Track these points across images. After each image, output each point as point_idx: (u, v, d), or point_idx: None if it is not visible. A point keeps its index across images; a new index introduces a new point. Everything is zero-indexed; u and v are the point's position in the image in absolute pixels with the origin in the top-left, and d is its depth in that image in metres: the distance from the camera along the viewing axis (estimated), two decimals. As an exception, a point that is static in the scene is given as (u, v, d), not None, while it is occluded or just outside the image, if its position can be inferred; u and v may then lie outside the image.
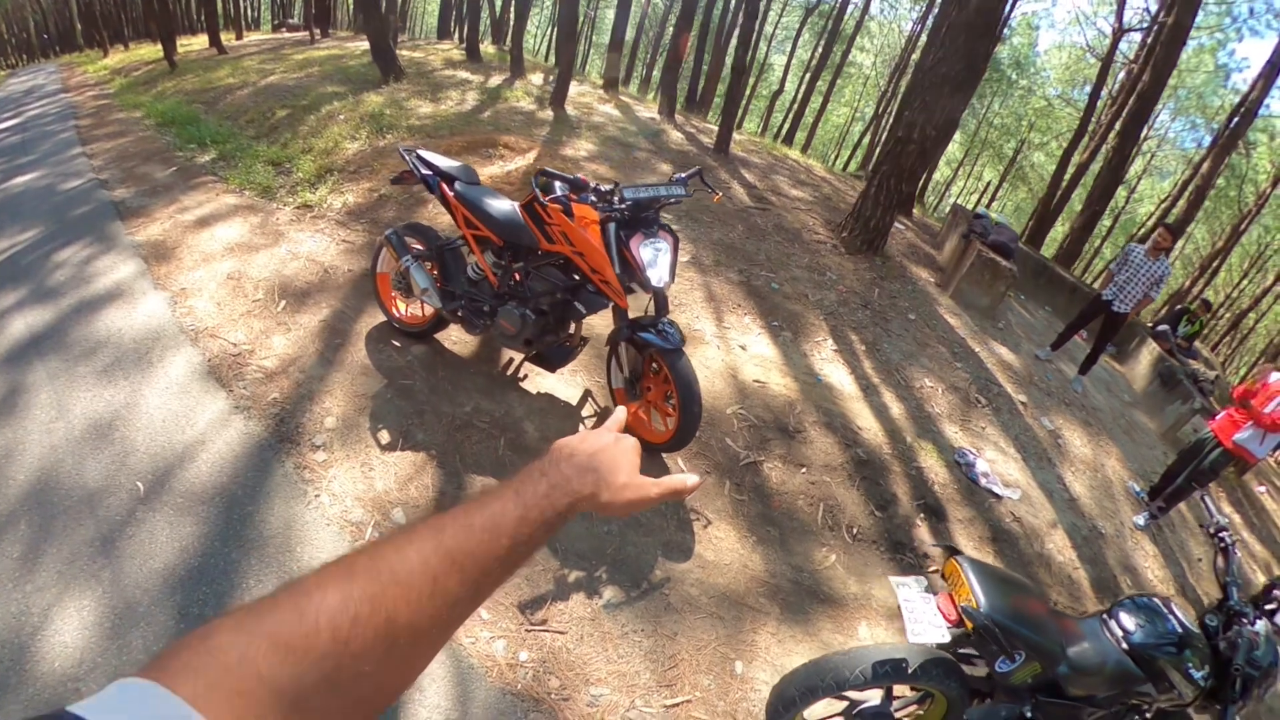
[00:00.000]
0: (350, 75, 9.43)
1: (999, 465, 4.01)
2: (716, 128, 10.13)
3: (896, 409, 4.10)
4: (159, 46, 14.13)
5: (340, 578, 0.42)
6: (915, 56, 18.81)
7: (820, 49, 21.80)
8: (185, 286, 3.84)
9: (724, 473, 3.13)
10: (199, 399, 2.98)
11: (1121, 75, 13.82)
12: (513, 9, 12.18)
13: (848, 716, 1.90)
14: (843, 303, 5.20)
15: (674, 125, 9.15)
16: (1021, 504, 3.76)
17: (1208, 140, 17.78)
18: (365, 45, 11.57)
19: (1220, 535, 2.17)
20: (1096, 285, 8.24)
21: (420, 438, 2.94)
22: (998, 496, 3.72)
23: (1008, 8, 13.73)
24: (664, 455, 3.04)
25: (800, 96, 22.66)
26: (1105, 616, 1.91)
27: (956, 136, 21.68)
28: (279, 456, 2.73)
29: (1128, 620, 1.87)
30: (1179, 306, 10.75)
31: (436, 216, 4.97)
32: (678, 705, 2.18)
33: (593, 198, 2.61)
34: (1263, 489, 7.22)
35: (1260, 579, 4.82)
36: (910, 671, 1.65)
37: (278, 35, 18.68)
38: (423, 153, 3.23)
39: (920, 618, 1.62)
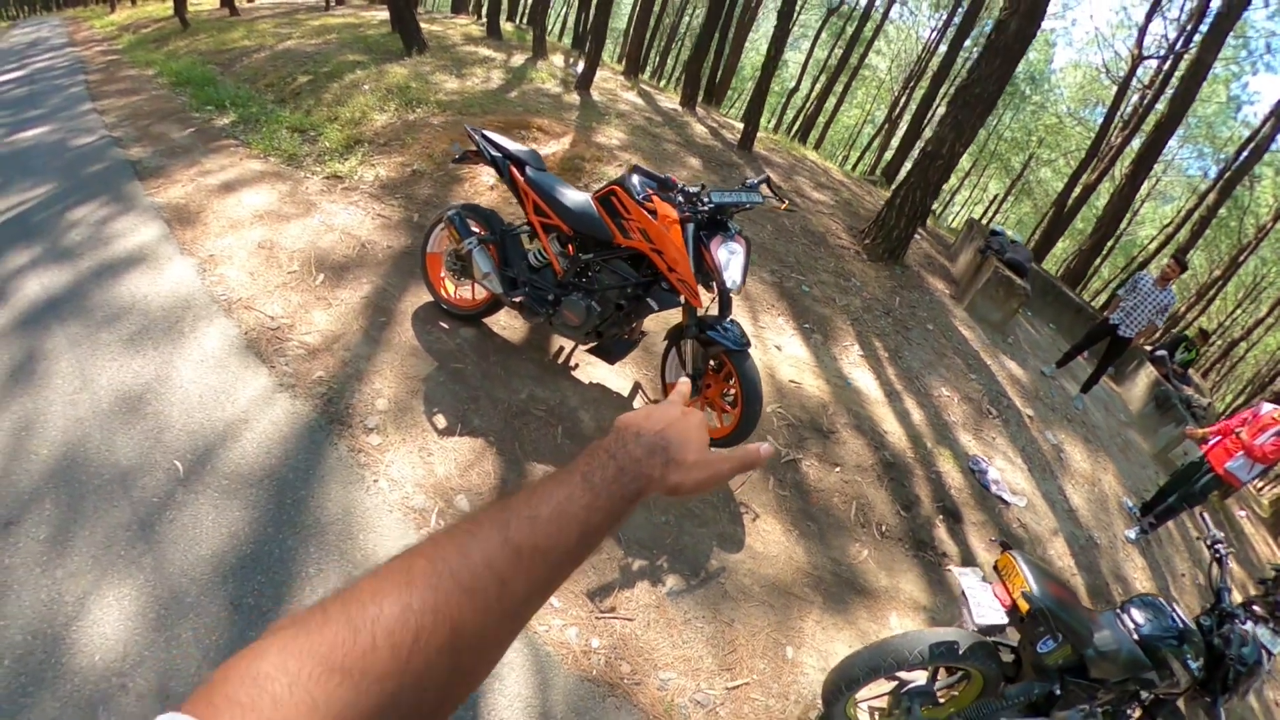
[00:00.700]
0: (370, 44, 9.24)
1: (1008, 474, 4.27)
2: (735, 121, 10.29)
3: (917, 415, 4.34)
4: (168, 3, 13.90)
5: (398, 584, 0.39)
6: (933, 64, 18.96)
7: (838, 51, 21.86)
8: (214, 253, 3.72)
9: (768, 469, 3.30)
10: (238, 374, 2.84)
11: (1135, 99, 14.04)
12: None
13: (895, 695, 2.17)
14: (867, 309, 5.41)
15: (695, 117, 9.26)
16: (1027, 511, 4.03)
17: (1214, 171, 18.15)
18: (382, 15, 11.43)
19: (1216, 546, 2.51)
20: (1101, 307, 8.51)
21: (477, 423, 2.93)
22: (1006, 503, 3.98)
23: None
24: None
25: (815, 96, 22.76)
26: (1119, 611, 2.20)
27: (966, 147, 21.81)
28: (330, 438, 2.64)
29: (1138, 615, 2.15)
30: (1176, 333, 11.10)
31: (472, 196, 4.98)
32: (737, 688, 2.32)
33: (680, 198, 2.65)
34: (1244, 514, 7.59)
35: (1237, 598, 5.13)
36: (960, 653, 1.91)
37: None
38: (489, 134, 3.15)
39: (982, 601, 1.89)
